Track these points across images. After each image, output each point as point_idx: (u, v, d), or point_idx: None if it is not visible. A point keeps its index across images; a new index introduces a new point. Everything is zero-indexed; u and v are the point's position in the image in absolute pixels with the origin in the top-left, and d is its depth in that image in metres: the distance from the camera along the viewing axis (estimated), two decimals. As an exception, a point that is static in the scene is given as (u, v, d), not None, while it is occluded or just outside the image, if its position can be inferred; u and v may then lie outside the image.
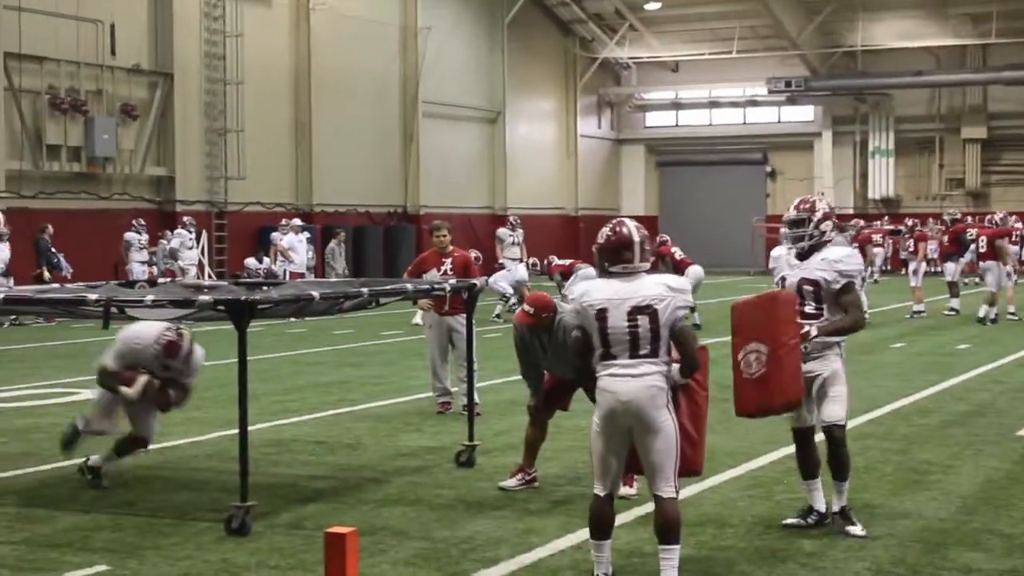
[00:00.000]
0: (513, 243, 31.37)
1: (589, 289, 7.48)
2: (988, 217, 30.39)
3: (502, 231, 32.30)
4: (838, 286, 8.69)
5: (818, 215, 8.84)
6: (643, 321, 7.26)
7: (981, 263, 27.03)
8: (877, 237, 43.81)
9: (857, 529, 8.76)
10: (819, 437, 8.94)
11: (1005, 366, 19.10)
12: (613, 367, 7.33)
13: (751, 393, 8.41)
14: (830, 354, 8.74)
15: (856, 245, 27.74)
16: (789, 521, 9.01)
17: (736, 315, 8.61)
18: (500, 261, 31.13)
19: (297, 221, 33.06)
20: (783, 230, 9.07)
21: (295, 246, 31.49)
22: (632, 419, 7.28)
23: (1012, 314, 26.72)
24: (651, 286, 7.35)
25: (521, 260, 30.81)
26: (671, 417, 7.30)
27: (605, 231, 7.55)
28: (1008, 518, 9.30)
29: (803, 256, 8.85)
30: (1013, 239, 33.87)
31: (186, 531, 9.05)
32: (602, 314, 7.33)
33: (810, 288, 8.73)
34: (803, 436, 8.96)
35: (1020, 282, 29.56)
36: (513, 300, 27.78)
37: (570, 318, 10.02)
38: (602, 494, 7.48)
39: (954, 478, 10.77)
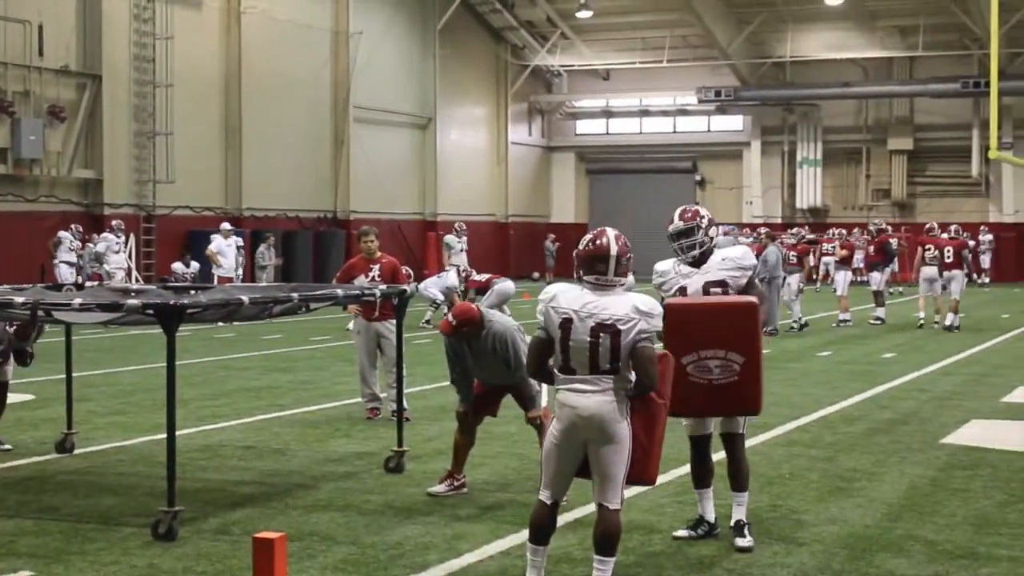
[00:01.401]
0: (462, 249, 31.52)
1: (559, 294, 7.44)
2: (953, 227, 30.90)
3: (450, 238, 32.38)
4: (744, 281, 8.78)
5: (705, 221, 8.89)
6: (605, 339, 7.23)
7: (946, 272, 27.27)
8: (828, 246, 44.45)
9: (744, 541, 8.71)
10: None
11: (929, 374, 19.31)
12: (573, 382, 7.32)
13: (717, 398, 8.42)
14: None
15: (794, 255, 28.00)
16: (679, 533, 8.98)
17: (687, 318, 8.48)
18: (446, 267, 31.06)
19: (227, 225, 32.85)
20: (673, 242, 9.00)
21: (224, 250, 31.29)
22: (593, 432, 7.27)
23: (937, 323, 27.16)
24: (620, 305, 7.30)
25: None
26: (628, 429, 7.31)
27: (586, 239, 7.53)
28: (932, 524, 9.40)
29: (697, 262, 8.88)
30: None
31: (112, 536, 8.97)
32: (566, 324, 7.31)
33: (717, 289, 8.78)
34: (702, 444, 8.97)
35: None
36: (444, 306, 27.77)
37: (499, 327, 10.05)
38: (548, 502, 7.47)
39: (879, 485, 10.88)
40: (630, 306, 7.30)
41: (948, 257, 27.33)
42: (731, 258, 8.85)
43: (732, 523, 8.84)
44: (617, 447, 7.28)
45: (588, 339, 7.25)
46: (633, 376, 7.36)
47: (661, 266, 9.07)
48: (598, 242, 7.45)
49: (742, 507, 8.85)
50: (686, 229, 8.87)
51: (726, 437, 8.89)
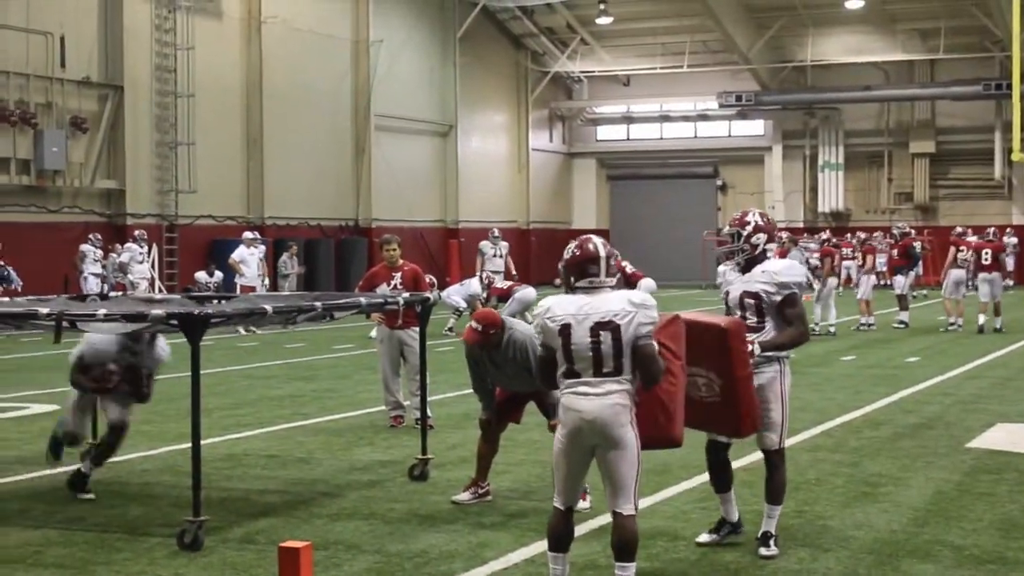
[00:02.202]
0: (496, 255, 31.47)
1: (553, 305, 7.46)
2: (991, 230, 31.18)
3: (484, 244, 32.36)
4: (779, 298, 8.66)
5: (748, 228, 8.79)
6: (606, 337, 7.26)
7: (984, 274, 27.44)
8: (848, 251, 44.49)
9: (768, 551, 8.66)
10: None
11: (954, 378, 19.24)
12: (577, 385, 7.33)
13: (705, 416, 8.37)
14: (767, 368, 8.65)
15: (818, 258, 27.93)
16: (703, 539, 8.93)
17: (683, 332, 8.22)
18: (479, 274, 30.92)
19: (248, 234, 32.80)
20: (719, 247, 9.02)
21: (247, 259, 31.29)
22: (596, 437, 7.28)
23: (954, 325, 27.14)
24: (615, 301, 7.34)
25: (504, 272, 30.86)
26: (635, 434, 7.31)
27: (571, 247, 7.56)
28: (959, 529, 9.36)
29: (745, 269, 8.86)
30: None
31: (138, 546, 8.99)
32: (565, 330, 7.33)
33: (751, 301, 8.70)
34: (715, 450, 8.93)
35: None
36: (467, 313, 27.77)
37: (519, 335, 10.06)
38: (562, 508, 7.48)
39: (905, 490, 10.84)
40: (624, 301, 7.35)
41: (986, 260, 27.45)
42: (769, 271, 8.71)
43: (760, 534, 8.81)
44: (624, 452, 7.27)
45: (589, 340, 7.27)
46: (635, 376, 7.38)
47: (720, 268, 9.10)
48: (586, 247, 7.51)
49: (772, 520, 8.77)
50: (729, 234, 8.86)
51: (764, 452, 8.84)
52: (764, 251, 8.84)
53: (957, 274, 27.43)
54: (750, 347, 8.41)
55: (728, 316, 8.69)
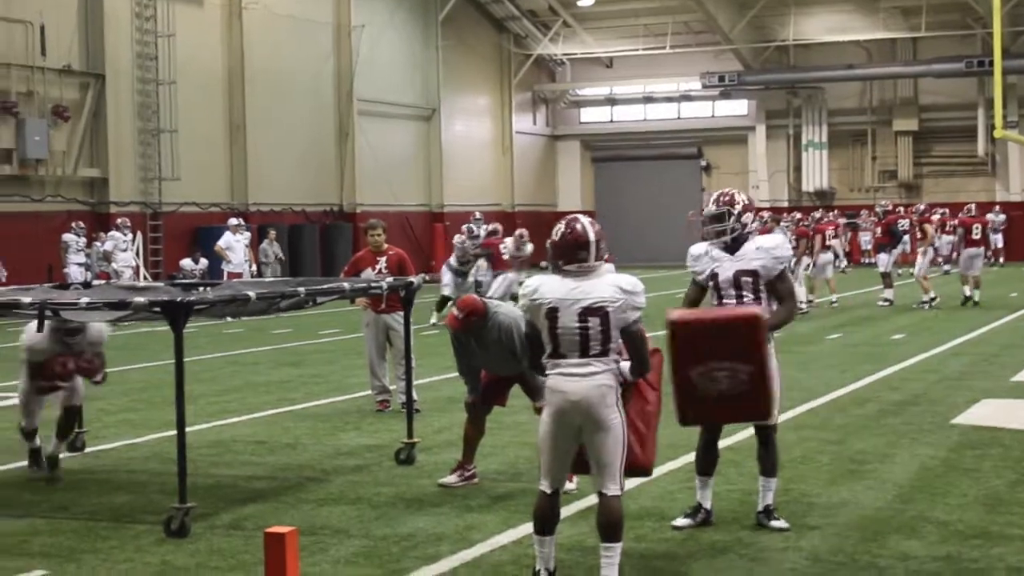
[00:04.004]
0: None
1: (540, 286, 7.45)
2: (965, 207, 31.64)
3: (467, 227, 32.25)
4: (776, 272, 8.72)
5: (738, 207, 8.81)
6: (594, 322, 7.26)
7: (971, 249, 28.08)
8: (830, 230, 44.77)
9: (779, 523, 8.78)
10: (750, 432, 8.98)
11: (939, 355, 19.30)
12: (562, 366, 7.33)
13: (728, 408, 8.35)
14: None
15: (794, 238, 28.05)
16: (678, 523, 8.93)
17: (694, 334, 8.32)
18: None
19: (233, 220, 32.72)
20: (704, 226, 8.99)
21: (233, 246, 31.27)
22: (582, 417, 7.28)
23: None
24: (604, 287, 7.32)
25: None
26: (620, 415, 7.32)
27: (560, 228, 7.51)
28: (944, 505, 9.39)
29: (731, 249, 8.86)
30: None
31: (125, 534, 8.99)
32: (552, 313, 7.33)
33: (748, 279, 8.72)
34: (712, 431, 8.95)
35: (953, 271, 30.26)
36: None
37: (504, 318, 10.07)
38: (548, 491, 7.48)
39: (890, 467, 10.87)
40: (614, 287, 7.33)
41: (976, 234, 28.13)
42: (765, 248, 8.74)
43: (761, 508, 8.85)
44: (609, 433, 7.28)
45: (577, 324, 7.27)
46: (625, 363, 7.38)
47: (695, 249, 9.02)
48: (575, 229, 7.45)
49: (770, 492, 8.89)
50: (718, 214, 8.83)
51: (758, 429, 8.87)
52: (750, 230, 8.87)
53: (972, 250, 28.28)
54: None
55: (731, 303, 8.68)
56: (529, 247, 28.02)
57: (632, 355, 7.37)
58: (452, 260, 27.25)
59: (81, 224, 32.06)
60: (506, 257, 27.10)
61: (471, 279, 27.15)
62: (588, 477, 7.61)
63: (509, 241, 28.03)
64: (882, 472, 10.64)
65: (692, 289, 9.00)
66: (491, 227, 28.95)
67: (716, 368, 8.24)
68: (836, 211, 49.27)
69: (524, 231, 28.45)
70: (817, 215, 38.30)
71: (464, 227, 30.65)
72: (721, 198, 8.91)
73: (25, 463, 11.39)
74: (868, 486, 10.10)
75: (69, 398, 11.20)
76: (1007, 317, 25.51)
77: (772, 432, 8.87)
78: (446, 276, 27.16)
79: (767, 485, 8.88)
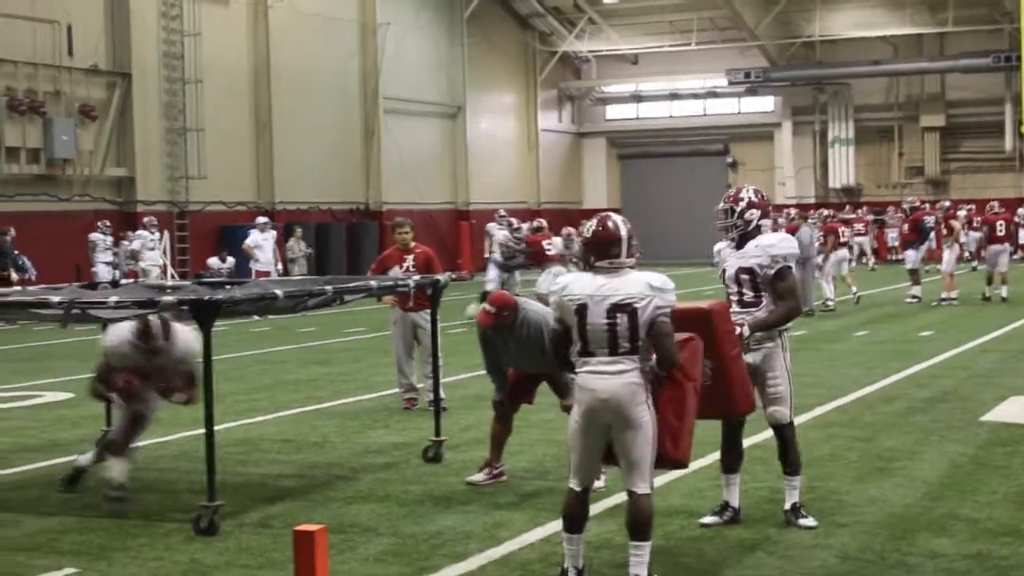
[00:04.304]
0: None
1: (571, 283, 7.46)
2: (988, 204, 31.52)
3: (491, 225, 32.67)
4: (772, 271, 8.69)
5: (742, 204, 8.81)
6: (622, 319, 7.24)
7: (996, 245, 28.04)
8: (860, 226, 45.01)
9: (808, 521, 8.77)
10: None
11: (967, 352, 19.22)
12: (592, 364, 7.32)
13: (704, 401, 8.34)
14: (768, 344, 8.70)
15: (822, 235, 28.02)
16: (706, 520, 8.92)
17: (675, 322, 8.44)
18: (487, 255, 31.38)
19: (261, 219, 32.76)
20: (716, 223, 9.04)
21: (261, 244, 31.34)
22: (611, 416, 7.26)
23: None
24: (633, 284, 7.30)
25: None
26: (650, 413, 7.29)
27: (591, 225, 7.51)
28: (973, 503, 9.36)
29: (739, 245, 8.86)
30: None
31: (154, 532, 9.02)
32: (582, 310, 7.32)
33: (746, 276, 8.75)
34: (731, 428, 8.93)
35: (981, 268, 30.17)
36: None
37: (532, 315, 10.07)
38: (578, 488, 7.47)
39: (919, 464, 10.84)
40: (643, 284, 7.31)
41: (1000, 231, 28.02)
42: (762, 246, 8.74)
43: (788, 506, 8.84)
44: (639, 431, 7.26)
45: (605, 321, 7.26)
46: (654, 357, 7.37)
47: (718, 245, 9.10)
48: (607, 226, 7.45)
49: (796, 489, 8.88)
50: (723, 210, 8.86)
51: (773, 428, 8.85)
52: (758, 227, 8.85)
53: (997, 247, 28.14)
54: (738, 329, 8.41)
55: (714, 300, 8.68)
56: (577, 245, 28.20)
57: (657, 352, 7.34)
58: (497, 255, 27.43)
59: (108, 223, 32.13)
60: (551, 252, 27.26)
61: (516, 275, 27.38)
62: (617, 475, 7.60)
63: (558, 240, 28.32)
64: (911, 469, 10.61)
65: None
66: (535, 223, 29.17)
67: None
68: (865, 208, 49.15)
69: (572, 229, 28.69)
70: (824, 212, 38.23)
71: (503, 222, 30.92)
72: (727, 195, 8.96)
73: (53, 462, 11.45)
74: (897, 483, 10.07)
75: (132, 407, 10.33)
76: (1036, 313, 25.39)
77: (788, 430, 8.84)
78: (491, 272, 27.33)
79: (791, 483, 8.88)
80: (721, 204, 8.92)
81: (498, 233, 29.24)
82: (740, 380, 8.37)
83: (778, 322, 8.69)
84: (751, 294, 8.72)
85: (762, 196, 9.00)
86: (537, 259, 26.96)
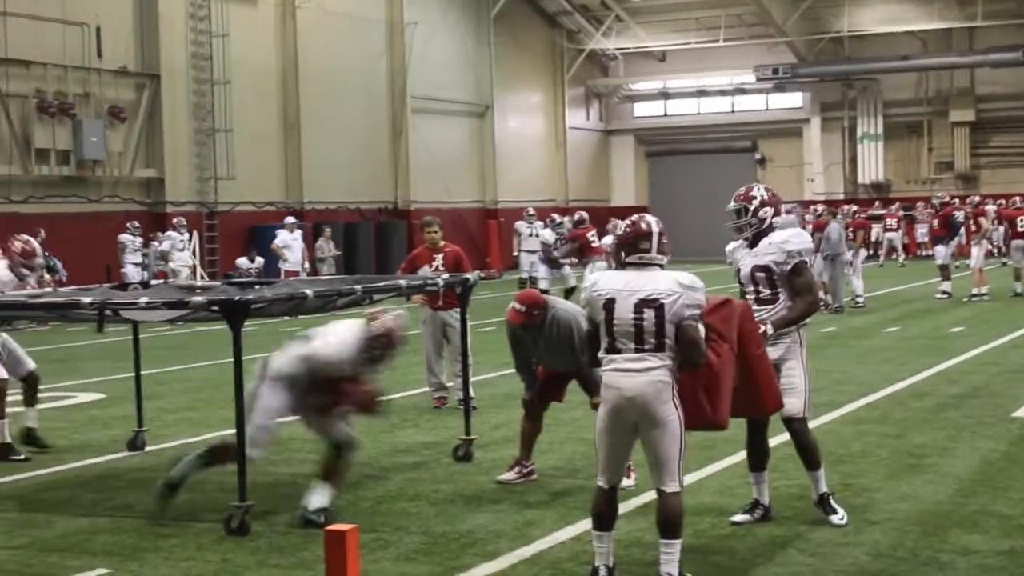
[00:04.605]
0: (531, 235, 32.25)
1: (600, 279, 7.50)
2: (1011, 199, 31.38)
3: (520, 224, 33.20)
4: (788, 267, 8.68)
5: (755, 203, 8.81)
6: (649, 315, 7.23)
7: (1018, 240, 27.89)
8: (891, 222, 44.91)
9: (837, 518, 8.73)
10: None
11: (999, 347, 19.14)
12: (617, 361, 7.32)
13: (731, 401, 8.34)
14: (786, 339, 8.68)
15: (851, 231, 27.93)
16: (736, 518, 8.91)
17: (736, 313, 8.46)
18: (515, 253, 32.20)
19: (291, 219, 32.84)
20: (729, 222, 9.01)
21: (290, 244, 31.42)
22: (638, 414, 7.26)
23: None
24: (662, 280, 7.31)
25: (539, 252, 31.95)
26: (677, 411, 7.28)
27: (625, 224, 7.58)
28: (1005, 499, 9.32)
29: (752, 244, 8.85)
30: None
31: (186, 532, 9.05)
32: (609, 304, 7.32)
33: (762, 274, 8.74)
34: (756, 425, 8.92)
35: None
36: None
37: (562, 313, 10.08)
38: (606, 487, 7.47)
39: (951, 461, 10.80)
40: (672, 280, 7.32)
41: (1021, 226, 27.83)
42: (776, 243, 8.72)
43: (816, 497, 8.82)
44: (666, 429, 7.24)
45: (632, 316, 7.26)
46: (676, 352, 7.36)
47: (730, 246, 9.10)
48: (639, 223, 7.51)
49: (820, 480, 8.85)
50: (736, 210, 8.85)
51: (784, 421, 8.82)
52: (771, 224, 8.84)
53: (1020, 242, 27.99)
54: (761, 328, 8.40)
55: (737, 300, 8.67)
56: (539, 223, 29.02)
57: (683, 351, 7.32)
58: (542, 253, 27.91)
59: (137, 224, 32.23)
60: (595, 245, 27.47)
61: (567, 270, 27.68)
62: (647, 473, 7.59)
63: (608, 238, 28.60)
64: (942, 466, 10.57)
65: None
66: (577, 216, 29.43)
67: None
68: (897, 203, 48.97)
69: (619, 221, 28.96)
70: (853, 208, 38.12)
71: (531, 219, 31.23)
72: (738, 194, 8.93)
73: (84, 462, 11.51)
74: (928, 480, 10.03)
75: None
76: (1067, 308, 25.25)
77: (798, 423, 8.78)
78: (541, 269, 27.54)
79: (814, 476, 8.87)
80: (732, 204, 8.89)
81: (543, 232, 29.60)
82: (768, 379, 8.35)
83: (799, 318, 8.68)
84: (767, 291, 8.71)
85: (773, 193, 9.01)
86: (582, 253, 27.17)
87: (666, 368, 7.27)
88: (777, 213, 8.92)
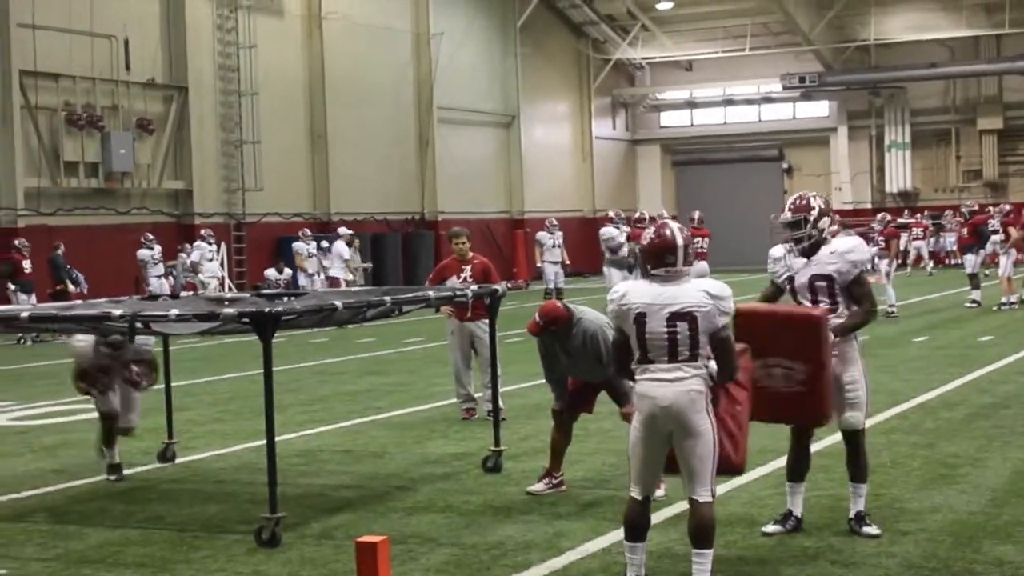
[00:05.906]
0: (554, 245, 32.52)
1: (628, 291, 7.46)
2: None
3: (542, 234, 33.44)
4: (851, 277, 8.66)
5: (814, 213, 8.76)
6: (682, 327, 7.24)
7: None
8: (919, 231, 44.83)
9: (871, 529, 8.70)
10: (837, 437, 8.89)
11: (1029, 357, 19.05)
12: (651, 371, 7.32)
13: (781, 407, 8.33)
14: (846, 349, 8.63)
15: (882, 239, 27.83)
16: (768, 529, 8.86)
17: (753, 324, 8.42)
18: (539, 264, 33.20)
19: (344, 230, 33.40)
20: (781, 232, 8.97)
21: (342, 253, 32.14)
22: (672, 423, 7.26)
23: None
24: (692, 293, 7.31)
25: (561, 262, 32.21)
26: (711, 421, 7.28)
27: (648, 234, 7.51)
28: (1038, 510, 9.27)
29: (807, 253, 8.80)
30: None
31: (216, 544, 9.06)
32: (641, 319, 7.31)
33: (823, 284, 8.68)
34: (801, 436, 8.88)
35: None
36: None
37: (590, 324, 10.06)
38: (639, 497, 7.46)
39: (982, 471, 10.74)
40: (702, 292, 7.31)
41: None
42: (839, 252, 8.67)
43: (852, 514, 8.78)
44: (699, 439, 7.24)
45: (665, 330, 7.25)
46: (713, 364, 7.36)
47: (775, 252, 9.04)
48: (664, 235, 7.44)
49: (861, 498, 8.80)
50: (794, 221, 8.77)
51: (844, 434, 8.78)
52: (827, 235, 8.81)
53: None
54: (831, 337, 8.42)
55: (806, 306, 8.65)
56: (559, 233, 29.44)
57: (719, 361, 7.34)
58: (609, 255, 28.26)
59: (150, 236, 31.68)
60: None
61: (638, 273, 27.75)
62: (678, 484, 7.58)
63: (542, 234, 29.17)
64: (974, 476, 10.52)
65: (769, 288, 9.10)
66: (637, 214, 29.63)
67: (772, 364, 8.25)
68: (925, 212, 48.84)
69: (645, 213, 29.32)
70: (887, 217, 37.93)
71: (552, 229, 31.55)
72: (795, 204, 8.83)
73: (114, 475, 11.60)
74: (960, 490, 9.98)
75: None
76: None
77: (859, 437, 8.76)
78: (615, 276, 27.55)
79: (857, 491, 8.81)
80: (789, 215, 8.79)
81: (608, 230, 29.87)
82: (831, 390, 8.37)
83: (857, 327, 8.66)
84: (828, 301, 8.65)
85: (827, 201, 9.01)
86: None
87: (700, 378, 7.26)
88: (832, 223, 8.90)
